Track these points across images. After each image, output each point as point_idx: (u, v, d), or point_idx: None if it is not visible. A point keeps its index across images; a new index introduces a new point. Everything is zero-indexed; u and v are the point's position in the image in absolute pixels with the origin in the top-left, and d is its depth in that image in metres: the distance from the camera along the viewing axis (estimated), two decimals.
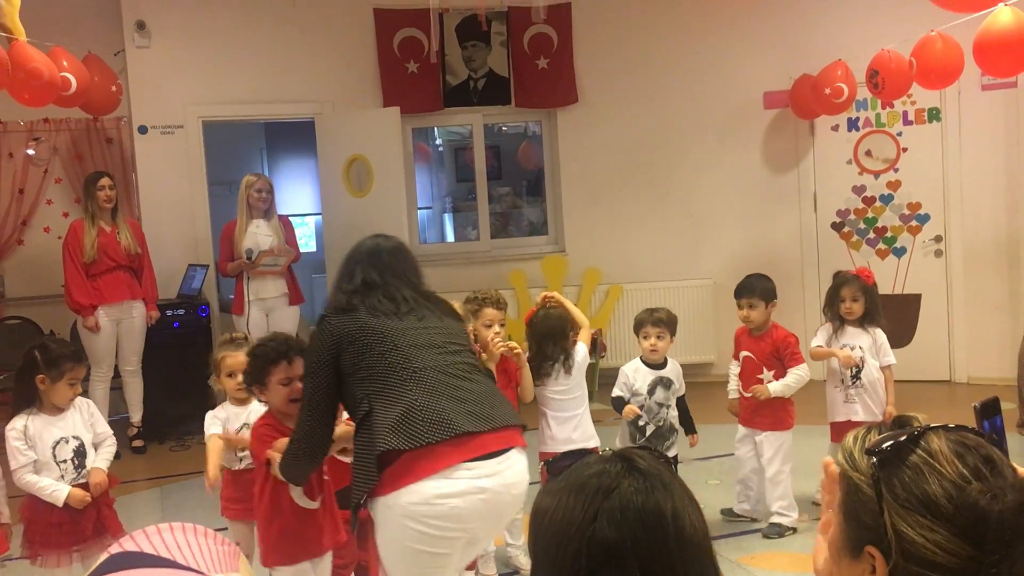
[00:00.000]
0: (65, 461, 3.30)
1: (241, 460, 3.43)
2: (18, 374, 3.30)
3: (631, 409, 3.88)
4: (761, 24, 7.05)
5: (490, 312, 3.74)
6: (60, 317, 6.23)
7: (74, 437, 3.33)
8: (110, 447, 3.44)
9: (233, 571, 0.84)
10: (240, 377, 3.39)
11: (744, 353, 4.22)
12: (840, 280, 4.34)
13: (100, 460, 3.37)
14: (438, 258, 7.33)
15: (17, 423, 3.24)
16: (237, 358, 3.42)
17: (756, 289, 4.18)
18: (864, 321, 4.24)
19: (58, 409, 3.32)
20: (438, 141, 9.47)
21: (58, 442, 3.29)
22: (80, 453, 3.33)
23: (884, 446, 1.03)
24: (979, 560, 0.97)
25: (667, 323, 4.02)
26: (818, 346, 4.30)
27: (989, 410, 1.46)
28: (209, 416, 3.47)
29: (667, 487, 1.04)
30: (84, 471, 3.33)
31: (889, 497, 1.01)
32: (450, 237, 9.10)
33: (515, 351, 3.67)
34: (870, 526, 1.02)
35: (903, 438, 1.04)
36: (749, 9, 7.04)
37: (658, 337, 3.97)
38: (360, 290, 2.62)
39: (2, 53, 4.32)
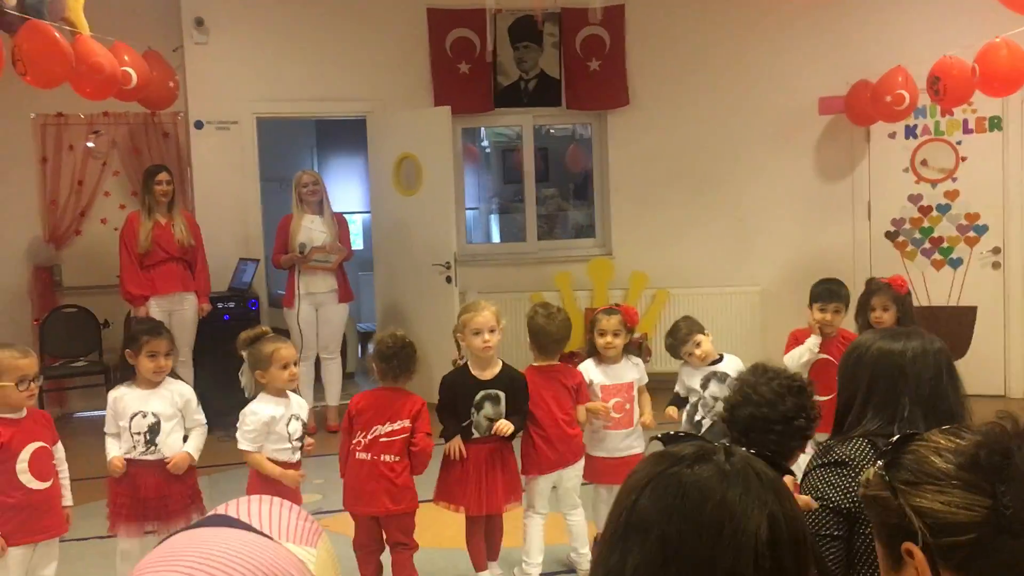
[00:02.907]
0: (138, 434, 3.47)
1: (295, 452, 3.48)
2: (120, 351, 3.67)
3: (671, 410, 3.90)
4: (817, 28, 6.96)
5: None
6: (115, 306, 6.36)
7: (153, 414, 3.48)
8: (200, 435, 3.61)
9: (310, 546, 0.85)
10: (293, 368, 3.43)
11: (821, 356, 4.15)
12: (871, 288, 4.26)
13: (189, 445, 3.55)
14: (484, 258, 7.35)
15: (111, 392, 3.57)
16: (289, 349, 3.48)
17: (843, 295, 4.20)
18: None
19: (150, 384, 3.52)
20: (485, 143, 9.49)
21: (135, 415, 3.46)
22: (153, 430, 3.47)
23: (885, 450, 1.18)
24: (995, 508, 1.05)
25: (699, 324, 4.00)
26: None
27: None
28: (246, 419, 3.43)
29: (731, 482, 0.99)
30: (154, 447, 3.47)
31: (899, 484, 1.12)
32: (496, 239, 9.11)
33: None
34: (898, 525, 1.11)
35: (898, 438, 1.18)
36: (805, 13, 6.95)
37: (698, 345, 3.93)
38: None
39: (66, 46, 4.43)
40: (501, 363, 3.73)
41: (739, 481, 1.00)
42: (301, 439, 3.52)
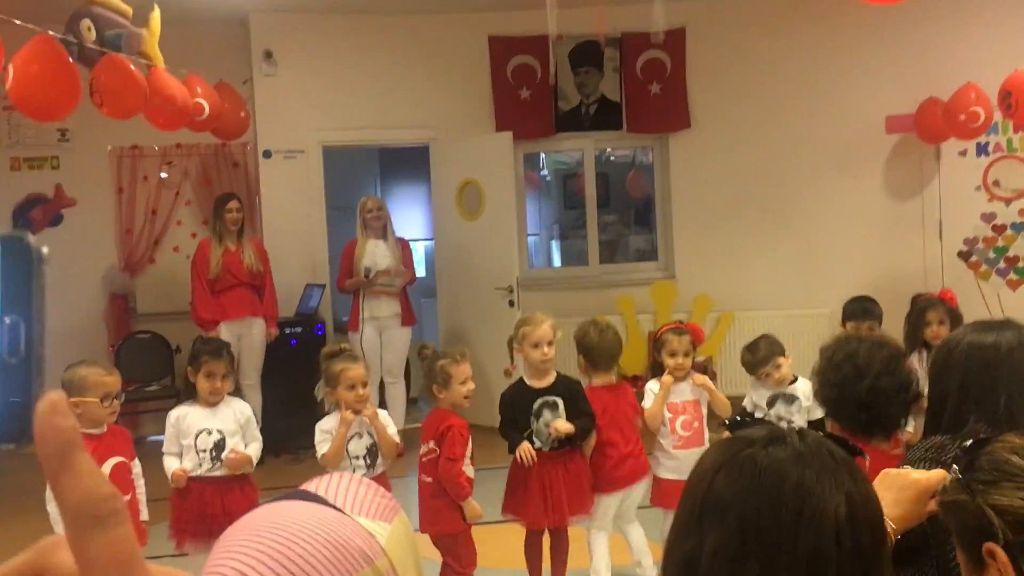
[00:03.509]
0: (204, 451, 3.54)
1: (355, 469, 3.50)
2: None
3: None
4: (882, 47, 6.86)
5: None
6: (187, 332, 6.50)
7: (218, 431, 3.56)
8: (257, 448, 3.69)
9: (385, 521, 0.86)
10: (361, 389, 3.47)
11: None
12: (924, 303, 4.15)
13: (250, 450, 3.63)
14: (547, 282, 7.36)
15: (173, 411, 3.64)
16: (358, 371, 3.52)
17: (877, 313, 4.12)
18: None
19: (211, 403, 3.58)
20: (544, 171, 9.53)
21: (200, 432, 3.53)
22: (219, 447, 3.55)
23: (959, 454, 1.19)
24: None
25: (780, 344, 3.93)
26: None
27: None
28: (320, 431, 3.53)
29: (807, 463, 1.00)
30: (220, 463, 3.54)
31: (976, 484, 1.12)
32: (557, 264, 9.12)
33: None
34: (977, 527, 1.11)
35: (973, 441, 1.19)
36: (870, 32, 6.86)
37: (778, 367, 3.87)
38: None
39: (141, 79, 4.59)
40: (556, 373, 3.77)
41: (815, 462, 1.00)
42: (367, 457, 3.53)
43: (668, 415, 3.85)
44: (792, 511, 0.97)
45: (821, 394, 2.17)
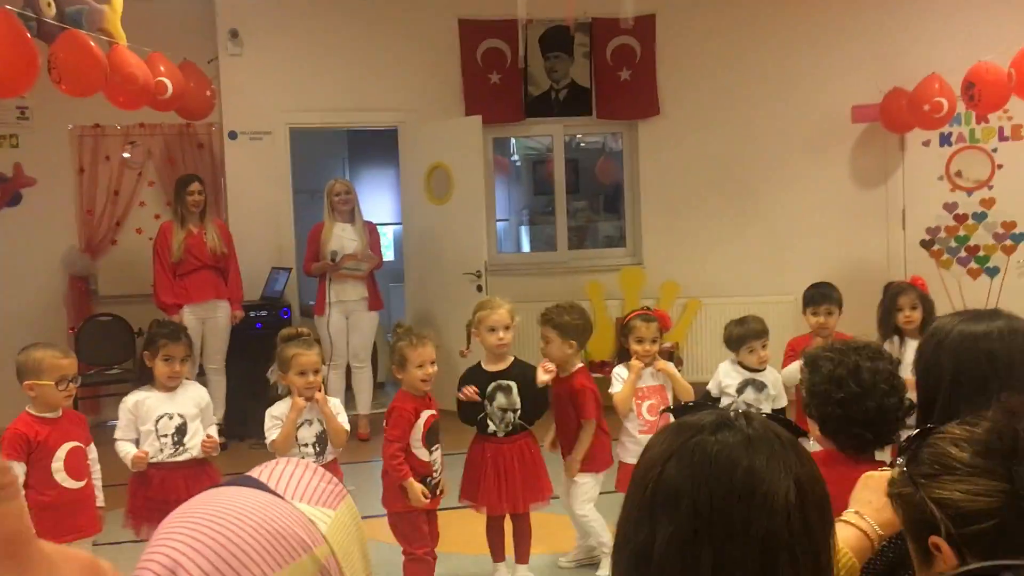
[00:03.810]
0: (166, 436, 3.49)
1: (304, 456, 3.47)
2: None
3: None
4: (849, 37, 6.91)
5: (548, 333, 3.81)
6: (149, 315, 6.39)
7: (179, 415, 3.51)
8: (214, 431, 3.66)
9: (329, 508, 0.85)
10: (312, 376, 3.44)
11: None
12: (896, 289, 4.21)
13: (212, 433, 3.60)
14: (515, 267, 7.35)
15: (129, 396, 3.56)
16: (310, 356, 3.47)
17: (835, 297, 4.17)
18: (923, 331, 4.09)
19: (166, 388, 3.52)
20: (515, 156, 9.51)
21: (161, 417, 3.49)
22: (180, 431, 3.50)
23: (904, 446, 1.19)
24: (1013, 491, 1.06)
25: (766, 331, 3.97)
26: None
27: None
28: (270, 417, 3.50)
29: (756, 447, 0.99)
30: (182, 448, 3.50)
31: (919, 478, 1.12)
32: (526, 249, 9.12)
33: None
34: (923, 520, 1.11)
35: (916, 432, 1.20)
36: (837, 22, 6.90)
37: (763, 347, 3.91)
38: None
39: (101, 56, 4.50)
40: (513, 357, 3.79)
41: (764, 446, 1.00)
42: (316, 444, 3.50)
43: (634, 400, 3.87)
44: (744, 497, 0.97)
45: (818, 411, 1.95)
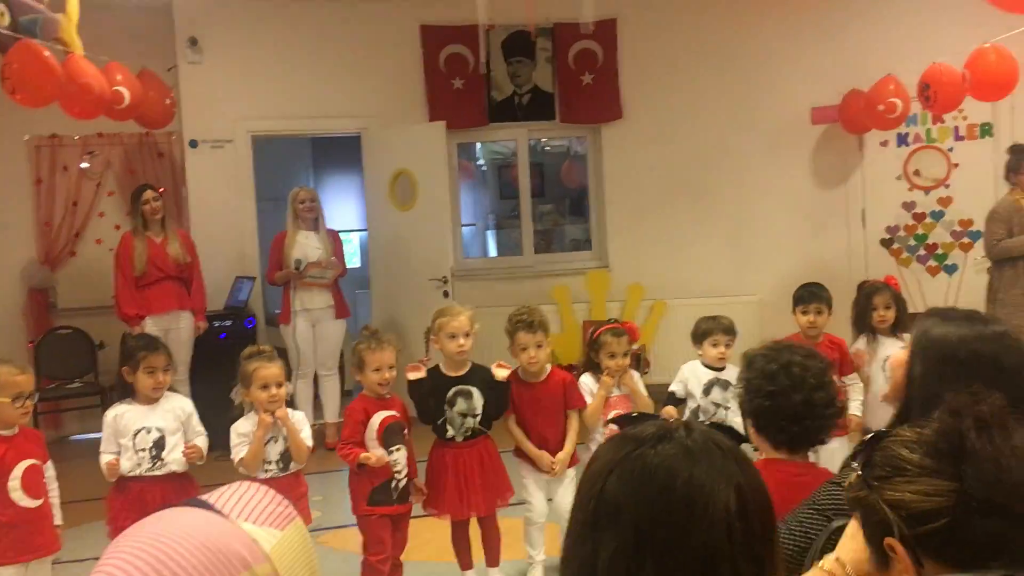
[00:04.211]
0: (143, 450, 3.45)
1: (267, 471, 3.45)
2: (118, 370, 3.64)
3: (669, 411, 3.86)
4: (809, 39, 7.00)
5: (523, 336, 3.77)
6: (110, 327, 6.33)
7: (157, 428, 3.47)
8: (204, 440, 3.62)
9: (276, 528, 0.85)
10: (274, 389, 3.42)
11: None
12: (871, 289, 4.29)
13: (199, 442, 3.58)
14: (481, 272, 7.36)
15: (109, 411, 3.53)
16: (271, 370, 3.45)
17: (824, 297, 4.23)
18: (896, 329, 4.17)
19: (150, 400, 3.50)
20: (480, 161, 9.52)
21: (139, 431, 3.45)
22: (159, 444, 3.46)
23: (858, 449, 1.21)
24: (961, 490, 1.08)
25: (732, 330, 4.00)
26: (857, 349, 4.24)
27: None
28: (236, 434, 3.47)
29: (696, 458, 1.00)
30: (161, 462, 3.45)
31: (872, 480, 1.14)
32: (492, 254, 9.12)
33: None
34: (878, 522, 1.13)
35: (871, 436, 1.21)
36: (797, 24, 6.99)
37: (726, 345, 3.94)
38: None
39: (56, 66, 4.43)
40: (471, 363, 3.80)
41: (704, 456, 1.00)
42: (279, 462, 3.48)
43: (604, 410, 3.89)
44: (684, 509, 0.97)
45: (750, 405, 2.02)
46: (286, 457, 3.48)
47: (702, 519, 0.97)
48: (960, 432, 1.11)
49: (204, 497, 0.88)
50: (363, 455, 3.45)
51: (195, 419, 3.62)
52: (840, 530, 1.63)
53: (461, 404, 3.71)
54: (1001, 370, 1.73)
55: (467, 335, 3.72)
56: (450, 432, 3.71)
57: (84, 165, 6.82)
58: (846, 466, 1.86)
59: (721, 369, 3.96)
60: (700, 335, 4.01)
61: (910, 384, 1.84)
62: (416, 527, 3.95)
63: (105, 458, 3.44)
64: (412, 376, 3.67)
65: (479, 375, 3.77)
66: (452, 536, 3.81)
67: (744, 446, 1.85)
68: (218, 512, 0.85)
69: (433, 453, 3.77)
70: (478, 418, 3.72)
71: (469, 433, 3.71)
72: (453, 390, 3.71)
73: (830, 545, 1.56)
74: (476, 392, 3.72)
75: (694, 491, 0.98)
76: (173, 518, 0.84)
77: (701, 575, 0.96)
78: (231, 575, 0.80)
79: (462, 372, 3.76)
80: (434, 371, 3.78)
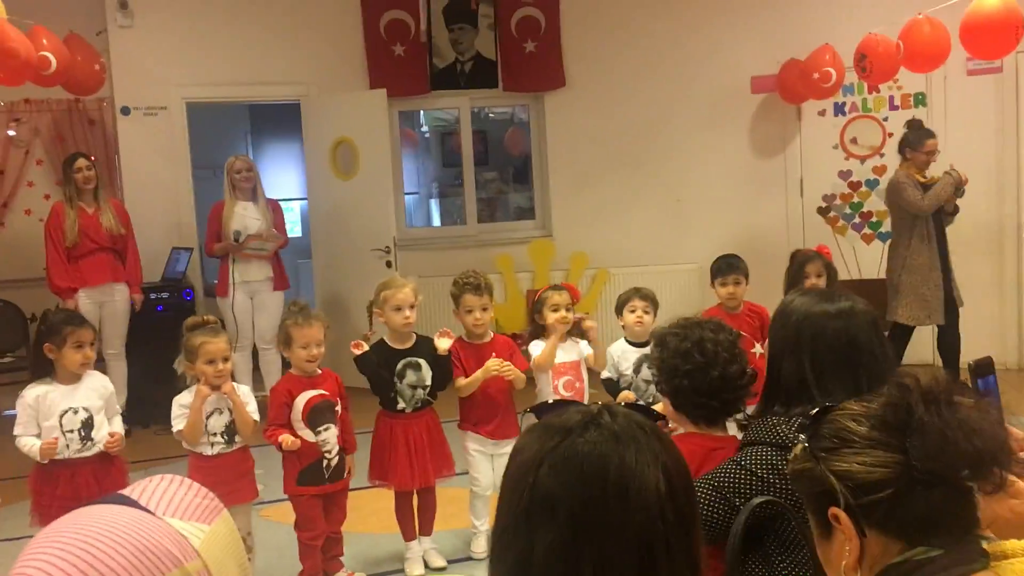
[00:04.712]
0: (72, 431, 3.36)
1: (213, 445, 3.41)
2: (32, 346, 3.51)
3: (626, 395, 3.86)
4: (749, 8, 7.04)
5: (469, 298, 3.76)
6: (42, 300, 6.15)
7: (84, 408, 3.38)
8: (119, 421, 3.55)
9: (204, 523, 0.84)
10: (221, 364, 3.37)
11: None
12: (804, 257, 4.38)
13: (115, 426, 3.48)
14: (425, 242, 7.32)
15: (28, 392, 3.38)
16: (218, 344, 3.40)
17: (742, 268, 4.28)
18: None
19: (73, 378, 3.39)
20: (424, 128, 9.42)
21: (66, 412, 3.35)
22: (87, 425, 3.38)
23: (804, 423, 1.22)
24: (906, 462, 1.10)
25: (652, 299, 4.02)
26: None
27: (983, 369, 1.51)
28: (177, 406, 3.42)
29: (624, 442, 1.01)
30: (90, 443, 3.37)
31: (819, 452, 1.16)
32: (436, 223, 9.07)
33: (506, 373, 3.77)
34: (823, 493, 1.15)
35: (817, 410, 1.22)
36: None
37: (644, 311, 3.96)
38: None
39: None
40: (415, 335, 3.81)
41: (631, 440, 1.01)
42: (225, 434, 3.44)
43: (550, 375, 3.90)
44: (618, 496, 0.98)
45: (668, 385, 2.04)
46: (231, 430, 3.44)
47: (636, 504, 0.98)
48: (908, 405, 1.13)
49: (128, 492, 0.86)
50: (280, 438, 3.43)
51: (114, 398, 3.56)
52: (763, 505, 1.66)
53: (411, 376, 3.73)
54: (854, 345, 1.86)
55: (412, 307, 3.73)
56: (401, 404, 3.72)
57: (11, 133, 6.58)
58: (749, 443, 1.91)
59: (645, 344, 3.99)
60: (620, 305, 4.05)
61: (783, 359, 1.91)
62: (362, 498, 3.95)
63: (30, 441, 3.33)
64: (356, 352, 3.65)
65: (425, 347, 3.78)
66: (397, 507, 3.83)
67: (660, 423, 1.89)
68: (144, 509, 0.83)
69: (381, 425, 3.78)
70: (427, 389, 3.75)
71: (419, 404, 3.74)
72: (402, 363, 3.72)
73: (754, 528, 1.60)
74: (424, 364, 3.74)
75: (626, 476, 0.98)
76: (99, 516, 0.81)
77: (638, 559, 0.98)
78: (162, 573, 0.78)
79: (409, 344, 3.77)
80: (380, 345, 3.77)
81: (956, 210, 5.73)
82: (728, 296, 4.28)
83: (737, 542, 1.58)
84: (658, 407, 2.19)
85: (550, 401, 3.59)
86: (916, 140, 5.66)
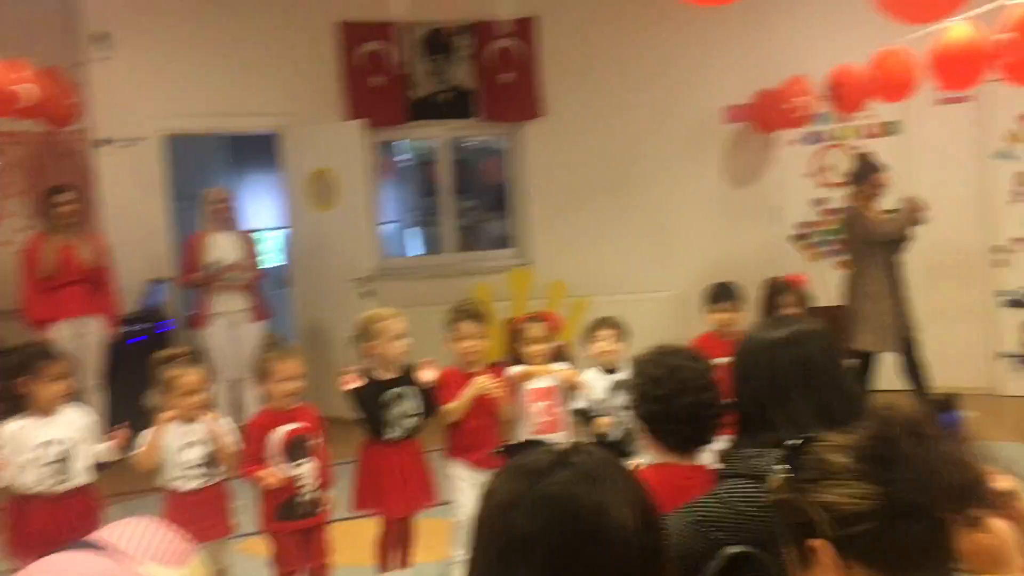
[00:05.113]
0: (47, 465, 3.30)
1: (190, 480, 3.38)
2: (6, 381, 3.38)
3: (603, 422, 3.85)
4: (723, 39, 7.15)
5: (466, 326, 3.78)
6: (17, 332, 6.09)
7: (58, 441, 3.32)
8: (103, 447, 3.49)
9: (179, 566, 0.84)
10: (197, 397, 3.34)
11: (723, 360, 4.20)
12: (778, 287, 4.40)
13: (102, 454, 3.45)
14: (404, 272, 7.32)
15: (4, 428, 3.31)
16: (192, 376, 3.38)
17: (736, 295, 4.30)
18: None
19: (49, 410, 3.35)
20: (405, 155, 9.45)
21: (39, 446, 3.30)
22: (63, 458, 3.33)
23: (786, 454, 1.21)
24: (889, 494, 1.10)
25: (618, 327, 4.04)
26: None
27: (946, 405, 1.54)
28: (142, 436, 3.40)
29: (596, 481, 1.01)
30: (66, 477, 3.32)
31: (801, 483, 1.16)
32: (416, 252, 9.08)
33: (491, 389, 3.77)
34: (804, 524, 1.15)
35: (796, 442, 1.22)
36: (711, 24, 7.11)
37: (613, 340, 3.98)
38: None
39: None
40: (398, 365, 3.82)
41: (602, 479, 1.02)
42: (203, 466, 3.41)
43: (528, 402, 3.90)
44: (593, 536, 0.98)
45: (642, 409, 2.06)
46: (211, 461, 3.41)
47: (611, 542, 0.98)
48: (892, 438, 1.14)
49: (101, 537, 0.85)
50: (257, 475, 3.40)
51: (94, 428, 3.51)
52: (736, 559, 1.65)
53: (400, 406, 3.74)
54: (810, 368, 1.87)
55: (403, 336, 3.75)
56: (392, 433, 3.72)
57: None
58: (726, 476, 1.90)
59: (614, 371, 3.99)
60: (586, 335, 4.06)
61: (745, 391, 1.93)
62: (340, 530, 3.91)
63: None
64: (352, 386, 3.64)
65: (411, 375, 3.80)
66: (383, 537, 3.79)
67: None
68: (118, 553, 0.83)
69: (371, 454, 3.76)
70: (416, 418, 3.76)
71: (409, 432, 3.76)
72: (390, 393, 3.73)
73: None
74: (411, 392, 3.76)
75: (601, 517, 0.99)
76: (71, 568, 0.81)
77: None
78: None
79: (395, 375, 3.78)
80: (368, 377, 3.76)
81: (910, 238, 5.79)
82: (720, 323, 4.29)
83: None
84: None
85: (517, 442, 3.61)
86: (864, 173, 5.76)
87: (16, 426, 3.32)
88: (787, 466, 1.21)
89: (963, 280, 6.72)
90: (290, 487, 3.46)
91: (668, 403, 2.00)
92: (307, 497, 3.51)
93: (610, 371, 3.99)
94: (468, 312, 3.85)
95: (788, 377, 1.87)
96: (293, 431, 3.48)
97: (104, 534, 0.86)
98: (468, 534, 1.09)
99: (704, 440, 2.05)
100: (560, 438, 3.90)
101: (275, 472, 3.42)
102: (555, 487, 1.01)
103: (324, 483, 3.59)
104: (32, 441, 3.31)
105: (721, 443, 2.05)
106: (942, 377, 6.54)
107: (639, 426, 2.10)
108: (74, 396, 3.56)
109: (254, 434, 3.48)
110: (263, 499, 3.50)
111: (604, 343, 3.95)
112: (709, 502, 1.85)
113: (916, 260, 6.74)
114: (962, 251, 6.70)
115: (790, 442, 1.24)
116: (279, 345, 3.57)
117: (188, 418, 3.38)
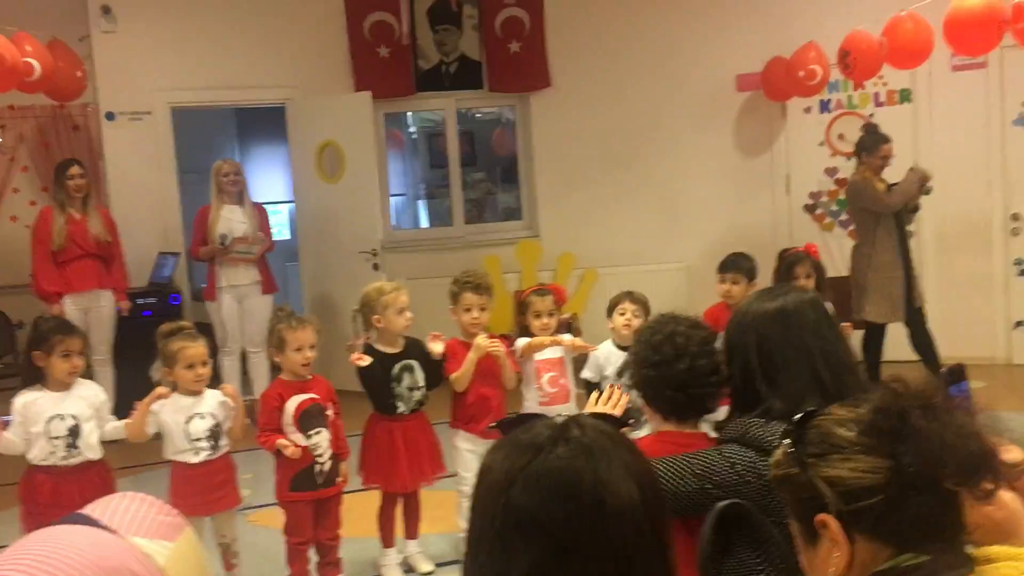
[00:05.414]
0: (58, 438, 3.32)
1: (198, 452, 3.40)
2: (24, 354, 3.47)
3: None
4: (733, 6, 7.06)
5: (469, 297, 3.76)
6: (28, 306, 6.12)
7: (71, 416, 3.34)
8: (110, 426, 3.49)
9: (167, 540, 0.84)
10: (200, 368, 3.36)
11: None
12: (792, 258, 4.37)
13: (111, 428, 3.44)
14: (412, 244, 7.31)
15: (18, 398, 3.36)
16: (196, 349, 3.39)
17: (742, 266, 4.29)
18: None
19: (63, 385, 3.36)
20: (411, 128, 9.41)
21: (52, 418, 3.31)
22: (74, 432, 3.34)
23: (789, 428, 1.19)
24: (897, 467, 1.09)
25: (644, 303, 4.02)
26: None
27: (955, 375, 1.52)
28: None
29: (596, 455, 0.99)
30: (76, 451, 3.34)
31: (806, 458, 1.14)
32: (424, 224, 9.06)
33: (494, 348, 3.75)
34: (809, 499, 1.13)
35: (801, 415, 1.20)
36: None
37: (634, 315, 3.96)
38: None
39: None
40: (403, 338, 3.81)
41: (601, 452, 1.00)
42: (210, 438, 3.43)
43: (535, 373, 3.90)
44: (596, 511, 0.96)
45: (639, 375, 2.05)
46: (215, 434, 3.43)
47: (613, 517, 0.97)
48: (902, 411, 1.11)
49: (89, 512, 0.85)
50: (279, 442, 3.40)
51: (106, 407, 3.51)
52: (728, 507, 1.64)
53: (407, 379, 3.74)
54: (803, 337, 1.89)
55: (407, 309, 3.76)
56: (400, 408, 3.73)
57: None
58: (727, 440, 1.91)
59: (627, 348, 3.96)
60: (610, 307, 4.04)
61: (737, 362, 1.94)
62: (352, 501, 3.93)
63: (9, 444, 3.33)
64: (361, 364, 3.64)
65: (416, 348, 3.80)
66: (382, 511, 3.82)
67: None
68: (107, 528, 0.82)
69: (377, 428, 3.77)
70: (423, 390, 3.77)
71: (416, 406, 3.77)
72: (398, 366, 3.73)
73: (720, 534, 1.59)
74: (417, 365, 3.76)
75: (602, 490, 0.97)
76: (61, 538, 0.81)
77: (618, 573, 0.97)
78: None
79: (401, 347, 3.78)
80: (373, 351, 3.76)
81: (918, 208, 5.76)
82: (724, 293, 4.27)
83: (707, 547, 1.57)
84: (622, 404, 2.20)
85: (513, 416, 3.61)
86: (872, 144, 5.68)
87: (30, 398, 3.35)
88: (791, 440, 1.19)
89: (979, 249, 6.66)
90: (307, 457, 3.47)
91: (662, 369, 1.99)
92: (323, 467, 3.52)
93: (624, 348, 3.98)
94: (471, 283, 3.83)
95: (777, 349, 1.88)
96: (306, 400, 3.50)
97: (91, 509, 0.86)
98: (468, 511, 1.07)
99: (703, 408, 2.04)
100: (568, 409, 3.92)
101: (294, 441, 3.43)
102: (554, 462, 0.99)
103: (340, 454, 3.60)
104: (44, 414, 3.33)
105: (722, 413, 2.05)
106: (958, 347, 6.51)
107: (637, 392, 2.09)
108: (90, 369, 3.58)
109: (269, 404, 3.49)
110: (280, 469, 3.52)
111: (627, 316, 3.92)
112: (711, 455, 1.86)
113: (930, 229, 6.71)
114: (978, 220, 6.63)
115: (796, 417, 1.21)
116: (293, 315, 3.57)
117: (194, 391, 3.38)
